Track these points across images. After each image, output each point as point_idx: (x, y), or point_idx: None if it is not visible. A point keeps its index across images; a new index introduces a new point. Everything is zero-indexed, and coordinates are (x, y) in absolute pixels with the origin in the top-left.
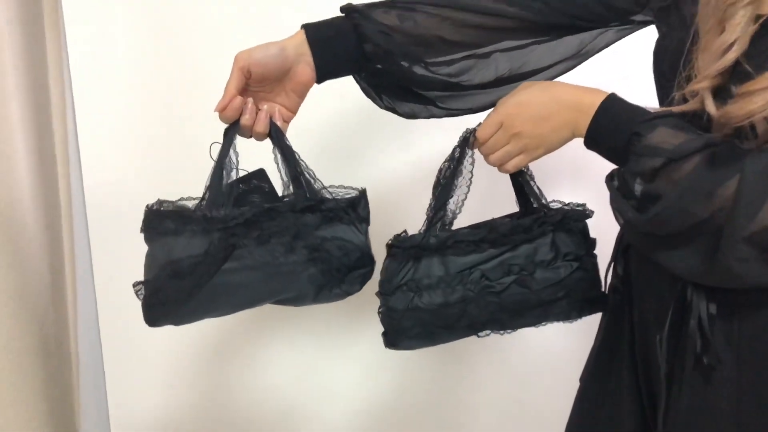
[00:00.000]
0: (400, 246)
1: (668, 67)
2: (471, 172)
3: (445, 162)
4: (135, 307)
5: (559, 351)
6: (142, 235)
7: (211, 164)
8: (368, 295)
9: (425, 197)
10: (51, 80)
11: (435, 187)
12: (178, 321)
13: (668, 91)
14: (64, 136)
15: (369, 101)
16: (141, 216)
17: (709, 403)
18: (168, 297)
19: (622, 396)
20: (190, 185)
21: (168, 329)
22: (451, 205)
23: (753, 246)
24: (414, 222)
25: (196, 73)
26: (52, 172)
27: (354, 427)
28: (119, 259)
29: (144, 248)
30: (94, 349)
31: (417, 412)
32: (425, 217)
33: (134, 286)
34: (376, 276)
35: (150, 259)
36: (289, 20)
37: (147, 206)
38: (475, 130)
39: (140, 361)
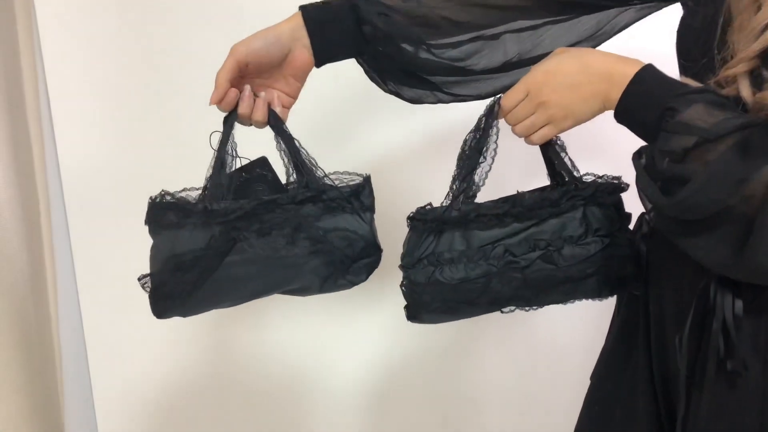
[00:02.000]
0: (421, 219)
1: (694, 46)
2: (496, 142)
3: (470, 132)
4: (118, 297)
5: (567, 344)
6: (122, 225)
7: (208, 154)
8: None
9: (435, 175)
10: (24, 68)
11: (459, 159)
12: (184, 313)
13: (693, 72)
14: (39, 126)
15: (368, 80)
16: (122, 204)
17: (732, 412)
18: (173, 290)
19: (637, 398)
20: (177, 173)
21: (152, 319)
22: (476, 177)
23: None
24: (426, 201)
25: (187, 58)
26: (28, 164)
27: (354, 418)
28: (100, 250)
29: (125, 237)
30: (78, 341)
31: (421, 404)
32: (447, 191)
33: (140, 279)
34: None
35: (154, 251)
36: (284, 4)
37: (150, 198)
38: (500, 98)
39: (125, 353)
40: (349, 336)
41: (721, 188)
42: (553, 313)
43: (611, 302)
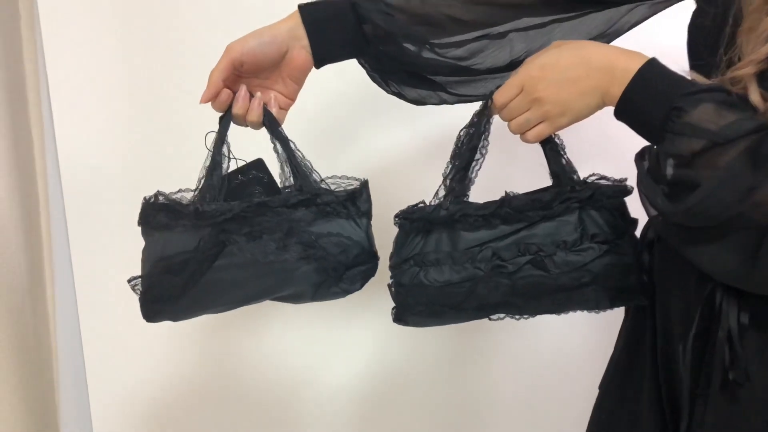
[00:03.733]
0: (407, 218)
1: (703, 46)
2: (487, 139)
3: (463, 129)
4: (115, 299)
5: (574, 353)
6: (121, 226)
7: (205, 153)
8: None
9: (434, 179)
10: (26, 67)
11: (452, 157)
12: (174, 317)
13: (702, 71)
14: (40, 125)
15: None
16: (121, 206)
17: (737, 423)
18: (162, 294)
19: (643, 407)
20: (178, 175)
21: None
22: (469, 175)
23: None
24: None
25: (193, 58)
26: (29, 162)
27: (353, 427)
28: (99, 250)
29: (123, 239)
30: (75, 343)
31: (423, 413)
32: (437, 188)
33: (130, 281)
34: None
35: (145, 253)
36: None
37: (144, 198)
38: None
39: (122, 355)
40: (347, 343)
41: (732, 196)
42: (558, 318)
43: (620, 308)
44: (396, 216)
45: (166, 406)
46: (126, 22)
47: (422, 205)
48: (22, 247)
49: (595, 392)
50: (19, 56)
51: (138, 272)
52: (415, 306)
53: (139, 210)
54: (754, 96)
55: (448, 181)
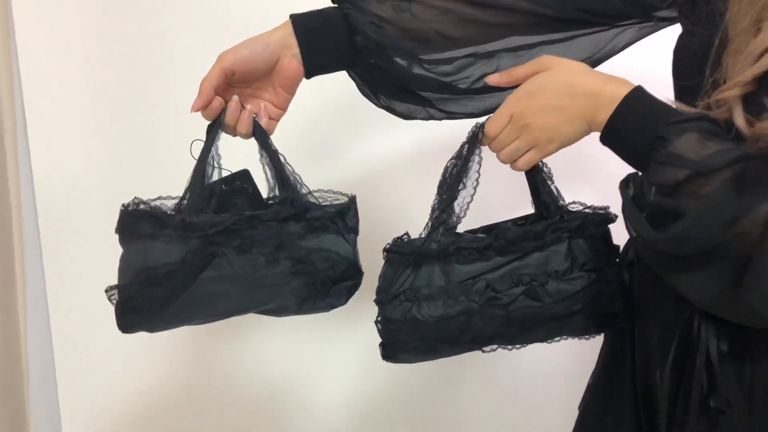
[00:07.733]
0: (397, 251)
1: (689, 68)
2: (478, 171)
3: (451, 159)
4: (89, 310)
5: (551, 368)
6: (93, 232)
7: (187, 162)
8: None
9: (420, 197)
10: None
11: (440, 187)
12: (152, 328)
13: (688, 95)
14: (13, 132)
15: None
16: (93, 212)
17: None
18: (142, 305)
19: (623, 429)
20: (152, 181)
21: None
22: (457, 207)
23: None
24: (409, 225)
25: (170, 63)
26: (1, 171)
27: None
28: (71, 258)
29: (96, 246)
30: (45, 353)
31: (403, 427)
32: (427, 218)
33: (107, 291)
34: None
35: (124, 263)
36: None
37: (123, 206)
38: (483, 124)
39: (94, 366)
40: (330, 357)
41: (715, 225)
42: None
43: None
44: (384, 250)
45: (139, 419)
46: (103, 26)
47: (407, 237)
48: None
49: (573, 408)
50: None
51: (112, 280)
52: (408, 342)
53: (113, 216)
54: (739, 119)
55: (436, 213)
